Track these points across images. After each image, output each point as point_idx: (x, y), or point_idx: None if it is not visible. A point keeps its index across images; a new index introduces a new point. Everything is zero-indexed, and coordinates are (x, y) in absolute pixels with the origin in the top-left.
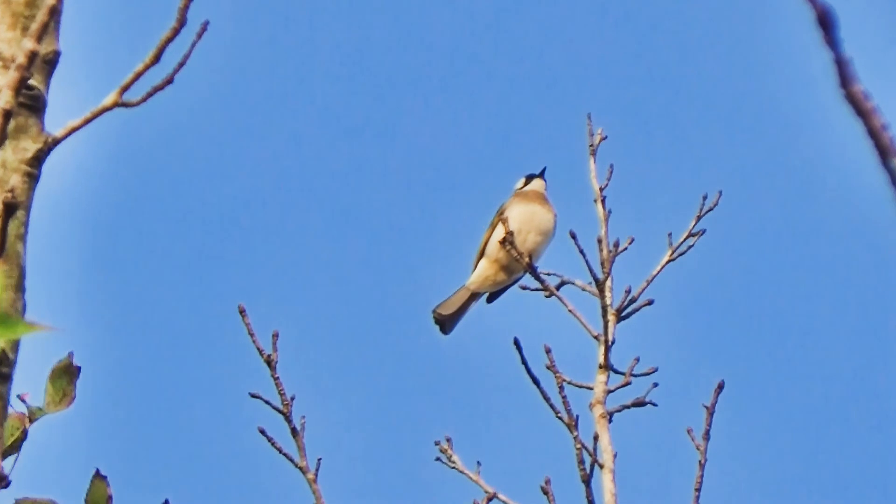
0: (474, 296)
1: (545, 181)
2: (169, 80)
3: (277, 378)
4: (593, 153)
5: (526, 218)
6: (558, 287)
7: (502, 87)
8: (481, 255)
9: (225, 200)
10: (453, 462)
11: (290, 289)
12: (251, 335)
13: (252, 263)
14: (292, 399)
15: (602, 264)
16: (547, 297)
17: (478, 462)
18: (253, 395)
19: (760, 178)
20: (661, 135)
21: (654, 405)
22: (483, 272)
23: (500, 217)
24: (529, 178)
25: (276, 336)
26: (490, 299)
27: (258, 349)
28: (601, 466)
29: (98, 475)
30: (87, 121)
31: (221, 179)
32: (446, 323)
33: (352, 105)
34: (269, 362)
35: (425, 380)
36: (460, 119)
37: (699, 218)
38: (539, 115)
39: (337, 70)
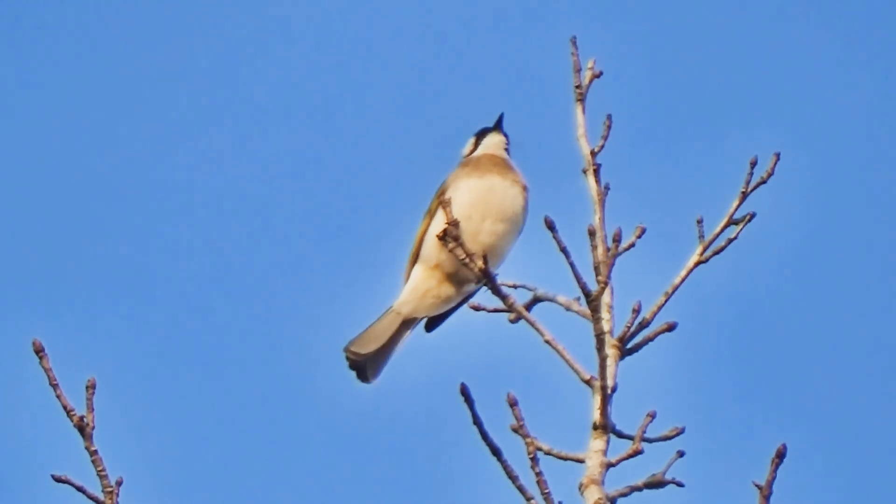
0: (408, 323)
1: (506, 136)
2: None
3: (95, 451)
4: (581, 98)
5: (478, 198)
6: (529, 306)
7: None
8: (415, 259)
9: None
10: None
11: (111, 317)
12: (53, 385)
13: (55, 280)
14: (118, 484)
15: (596, 269)
16: (512, 321)
17: None
18: (58, 479)
19: (838, 134)
20: (684, 70)
21: (680, 485)
22: (419, 285)
23: (440, 199)
24: (481, 136)
25: (91, 387)
26: (430, 327)
27: (65, 409)
28: None
29: None
30: None
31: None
32: (367, 365)
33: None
34: (82, 428)
35: (333, 450)
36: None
37: (745, 195)
38: (499, 41)
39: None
